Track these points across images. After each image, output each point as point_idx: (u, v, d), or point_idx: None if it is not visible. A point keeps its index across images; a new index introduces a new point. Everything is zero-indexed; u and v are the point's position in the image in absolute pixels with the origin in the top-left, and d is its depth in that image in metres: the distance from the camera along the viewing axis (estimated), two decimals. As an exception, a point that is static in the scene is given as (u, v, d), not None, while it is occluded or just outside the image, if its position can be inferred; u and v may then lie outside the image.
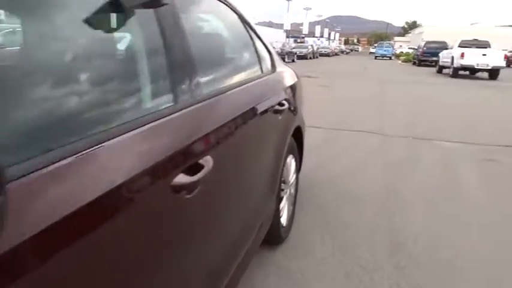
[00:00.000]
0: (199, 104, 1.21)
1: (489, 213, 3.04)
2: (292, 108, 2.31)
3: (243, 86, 1.68)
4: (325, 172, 3.91)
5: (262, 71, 2.07)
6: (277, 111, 1.95)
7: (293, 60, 28.62)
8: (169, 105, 1.11)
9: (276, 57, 2.44)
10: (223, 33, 1.92)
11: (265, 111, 1.81)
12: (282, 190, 2.37)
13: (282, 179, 2.30)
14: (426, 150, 4.87)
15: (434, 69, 20.63)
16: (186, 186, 1.03)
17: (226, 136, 1.36)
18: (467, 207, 3.15)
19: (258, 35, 2.12)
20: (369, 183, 3.62)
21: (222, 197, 1.37)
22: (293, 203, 2.72)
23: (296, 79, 2.84)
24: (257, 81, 1.89)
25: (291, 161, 2.53)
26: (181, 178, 1.01)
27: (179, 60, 1.18)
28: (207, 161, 1.13)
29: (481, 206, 3.18)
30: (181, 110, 1.12)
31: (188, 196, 1.05)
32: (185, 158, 1.07)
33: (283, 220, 2.44)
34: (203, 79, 1.34)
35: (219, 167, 1.24)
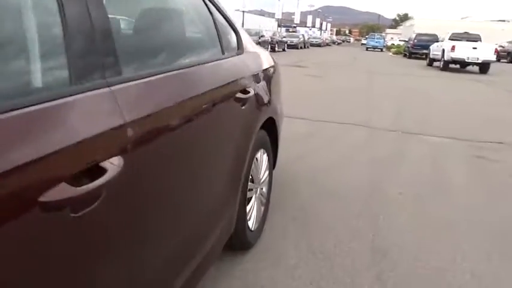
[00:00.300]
0: (114, 88, 0.90)
1: (478, 216, 2.80)
2: (261, 97, 2.01)
3: (192, 68, 1.37)
4: (307, 167, 3.63)
5: (223, 52, 1.76)
6: (239, 100, 1.64)
7: (283, 50, 28.34)
8: (64, 86, 0.81)
9: (245, 38, 2.13)
10: (167, 5, 1.59)
11: (222, 98, 1.51)
12: (250, 190, 2.08)
13: (249, 177, 2.01)
14: (414, 145, 4.62)
15: (424, 62, 20.45)
16: (86, 193, 0.74)
17: (161, 129, 1.07)
18: (454, 208, 2.90)
19: (220, 11, 1.80)
20: (353, 180, 3.35)
21: (149, 204, 1.09)
22: (265, 203, 2.43)
23: (271, 64, 2.54)
24: (213, 63, 1.58)
25: (262, 157, 2.23)
26: (72, 184, 0.73)
27: (86, 30, 0.87)
28: (118, 162, 0.83)
29: (469, 208, 2.93)
30: (83, 92, 0.82)
31: (84, 206, 0.76)
32: (84, 157, 0.78)
33: (252, 223, 2.15)
34: (127, 56, 1.04)
35: (143, 167, 0.96)
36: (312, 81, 10.73)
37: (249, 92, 1.75)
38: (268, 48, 23.75)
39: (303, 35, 40.70)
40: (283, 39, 31.20)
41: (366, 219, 2.66)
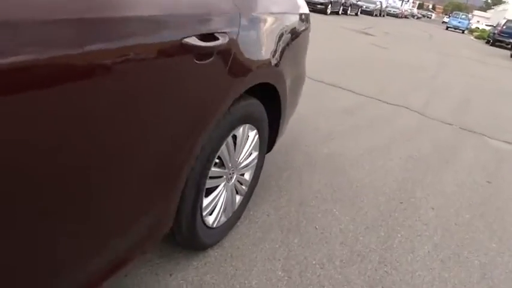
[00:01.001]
0: None
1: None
2: (250, 50, 1.39)
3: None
4: (333, 151, 2.99)
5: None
6: (190, 48, 1.04)
7: (356, 14, 26.78)
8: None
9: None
10: None
11: (154, 42, 0.93)
12: (216, 177, 1.53)
13: (214, 160, 1.44)
14: (471, 148, 3.80)
15: (508, 53, 18.29)
16: None
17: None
18: (495, 246, 2.20)
19: None
20: (380, 180, 2.69)
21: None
22: (246, 193, 1.87)
23: (297, 11, 1.92)
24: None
25: (247, 135, 1.65)
26: None
27: None
28: None
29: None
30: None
31: None
32: None
33: (214, 218, 1.61)
34: None
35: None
36: (376, 52, 9.69)
37: (216, 39, 1.15)
38: (340, 10, 22.30)
39: (380, 2, 38.06)
40: (358, 3, 29.24)
41: (378, 238, 2.04)
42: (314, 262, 1.76)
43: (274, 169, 2.47)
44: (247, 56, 1.37)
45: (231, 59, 1.25)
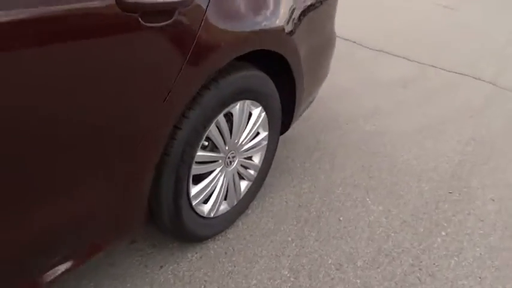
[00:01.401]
0: None
1: None
2: (217, 8, 1.13)
3: None
4: (376, 129, 2.62)
5: None
6: (124, 7, 0.82)
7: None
8: None
9: None
10: None
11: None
12: (208, 162, 1.31)
13: (201, 143, 1.23)
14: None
15: None
16: None
17: None
18: None
19: None
20: (429, 164, 2.31)
21: None
22: (256, 179, 1.63)
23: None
24: None
25: (246, 113, 1.40)
26: None
27: None
28: None
29: None
30: None
31: None
32: None
33: (208, 208, 1.41)
34: None
35: None
36: (441, 14, 8.68)
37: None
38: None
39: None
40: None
41: (416, 235, 1.73)
42: (330, 262, 1.51)
43: (303, 149, 2.20)
44: (228, 15, 1.11)
45: (203, 20, 1.01)
